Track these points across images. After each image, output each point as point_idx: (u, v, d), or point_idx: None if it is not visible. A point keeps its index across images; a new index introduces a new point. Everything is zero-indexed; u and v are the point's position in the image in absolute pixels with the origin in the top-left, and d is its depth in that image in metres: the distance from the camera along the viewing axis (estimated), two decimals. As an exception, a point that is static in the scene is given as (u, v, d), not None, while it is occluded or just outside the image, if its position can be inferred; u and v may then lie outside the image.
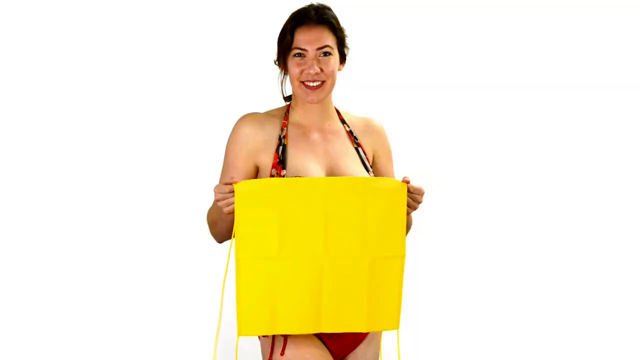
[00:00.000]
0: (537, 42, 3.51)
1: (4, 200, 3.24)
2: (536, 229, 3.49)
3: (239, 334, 1.90)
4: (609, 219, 3.50)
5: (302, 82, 2.01)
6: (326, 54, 2.01)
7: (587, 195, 3.51)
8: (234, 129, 2.05)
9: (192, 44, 3.35)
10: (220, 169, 2.08)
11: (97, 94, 3.31)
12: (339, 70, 2.08)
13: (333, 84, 2.05)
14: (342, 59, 2.09)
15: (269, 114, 2.09)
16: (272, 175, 1.99)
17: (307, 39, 1.99)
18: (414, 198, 1.94)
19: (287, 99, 2.14)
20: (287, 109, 2.10)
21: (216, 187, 1.88)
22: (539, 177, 3.50)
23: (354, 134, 2.13)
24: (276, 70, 2.12)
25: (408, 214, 1.95)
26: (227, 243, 2.07)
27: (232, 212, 1.87)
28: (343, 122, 2.14)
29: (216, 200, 1.88)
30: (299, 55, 2.00)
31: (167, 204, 3.33)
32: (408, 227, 2.14)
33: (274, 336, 1.98)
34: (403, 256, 1.94)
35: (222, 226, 2.01)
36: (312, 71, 1.99)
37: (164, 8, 3.34)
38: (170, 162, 3.33)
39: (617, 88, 3.52)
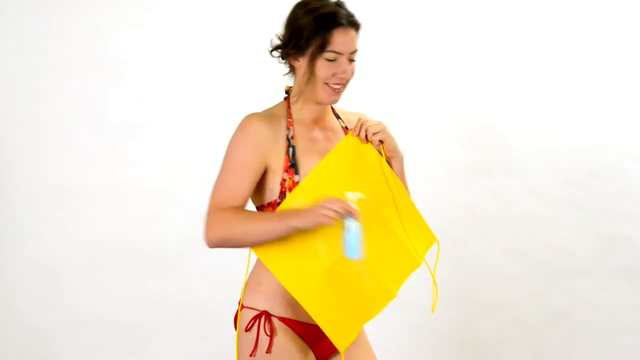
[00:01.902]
0: (530, 45, 3.53)
1: (4, 199, 3.25)
2: (535, 228, 3.50)
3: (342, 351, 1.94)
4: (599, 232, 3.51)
5: (328, 84, 1.96)
6: (353, 58, 1.98)
7: (584, 193, 3.52)
8: (242, 130, 1.95)
9: (191, 44, 3.37)
10: (222, 171, 1.97)
11: (95, 95, 3.33)
12: None
13: None
14: None
15: (271, 113, 2.01)
16: (283, 180, 1.93)
17: (344, 41, 1.93)
18: (373, 130, 1.97)
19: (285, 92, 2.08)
20: (287, 106, 2.03)
21: (337, 201, 1.84)
22: (538, 176, 3.51)
23: (349, 129, 2.10)
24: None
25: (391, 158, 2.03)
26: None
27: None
28: (338, 117, 2.11)
29: (335, 212, 1.84)
30: (332, 56, 1.94)
31: (171, 204, 3.34)
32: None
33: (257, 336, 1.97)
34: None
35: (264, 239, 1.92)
36: (344, 75, 1.95)
37: (162, 8, 3.37)
38: (172, 162, 3.34)
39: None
